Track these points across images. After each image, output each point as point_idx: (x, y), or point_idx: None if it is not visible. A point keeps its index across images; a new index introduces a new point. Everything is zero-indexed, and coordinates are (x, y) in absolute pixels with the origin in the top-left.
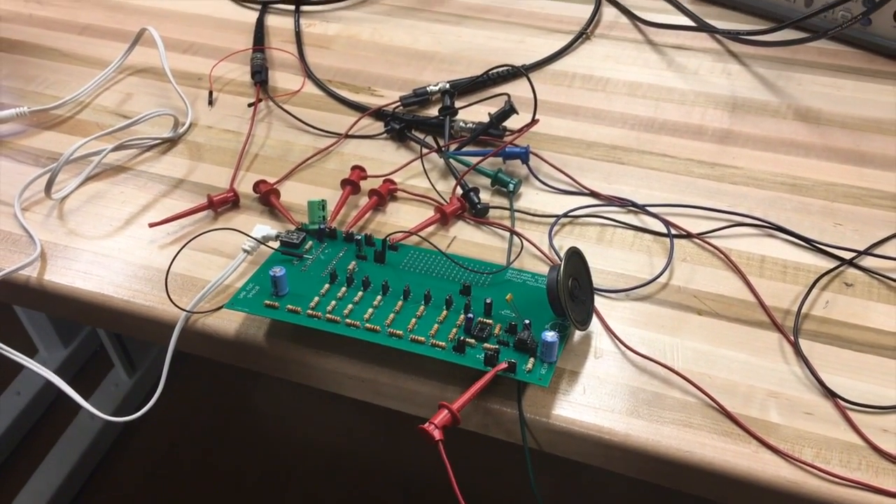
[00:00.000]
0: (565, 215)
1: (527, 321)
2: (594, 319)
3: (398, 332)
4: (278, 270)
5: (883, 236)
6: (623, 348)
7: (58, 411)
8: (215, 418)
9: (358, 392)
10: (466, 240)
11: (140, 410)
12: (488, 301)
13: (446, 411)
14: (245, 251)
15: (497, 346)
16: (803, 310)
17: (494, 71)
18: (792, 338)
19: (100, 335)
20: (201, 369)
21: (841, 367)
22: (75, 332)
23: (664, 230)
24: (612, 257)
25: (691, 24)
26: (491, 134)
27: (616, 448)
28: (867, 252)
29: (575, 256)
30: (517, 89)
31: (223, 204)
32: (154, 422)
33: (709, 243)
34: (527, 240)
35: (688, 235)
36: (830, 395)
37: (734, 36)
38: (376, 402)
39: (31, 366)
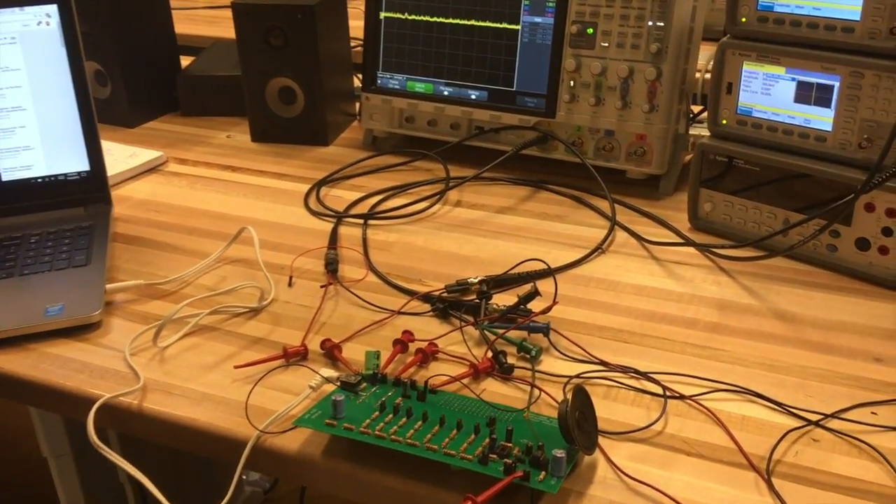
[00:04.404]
0: (577, 376)
1: (541, 443)
2: (600, 458)
3: (434, 446)
4: (338, 396)
5: (847, 405)
6: (623, 476)
7: None
8: None
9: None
10: (494, 391)
11: None
12: (509, 428)
13: (470, 502)
14: (311, 388)
15: (514, 462)
16: (777, 457)
17: (523, 268)
18: (765, 476)
19: None
20: None
21: (805, 499)
22: None
23: (661, 392)
24: (616, 410)
25: (681, 241)
26: (519, 313)
27: None
28: (832, 415)
29: (581, 393)
30: (542, 286)
31: (295, 355)
32: None
33: (698, 403)
34: (545, 392)
35: (681, 397)
36: None
37: (713, 251)
38: None
39: None
